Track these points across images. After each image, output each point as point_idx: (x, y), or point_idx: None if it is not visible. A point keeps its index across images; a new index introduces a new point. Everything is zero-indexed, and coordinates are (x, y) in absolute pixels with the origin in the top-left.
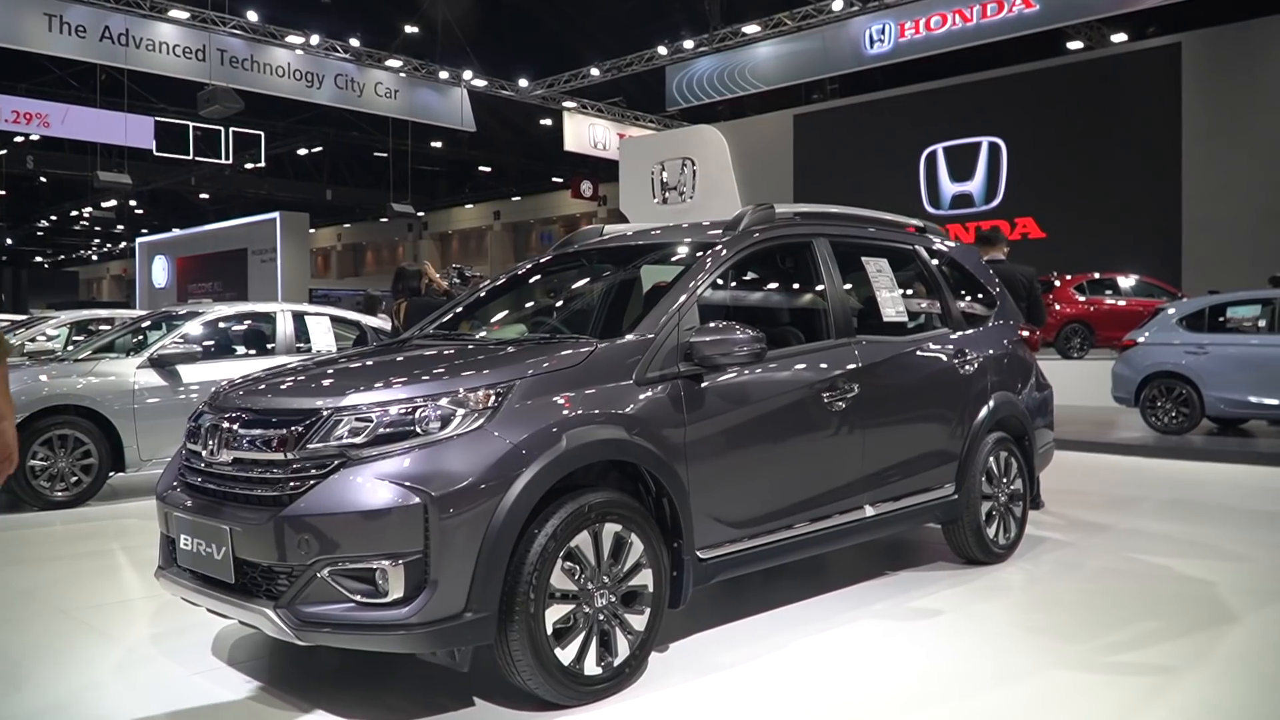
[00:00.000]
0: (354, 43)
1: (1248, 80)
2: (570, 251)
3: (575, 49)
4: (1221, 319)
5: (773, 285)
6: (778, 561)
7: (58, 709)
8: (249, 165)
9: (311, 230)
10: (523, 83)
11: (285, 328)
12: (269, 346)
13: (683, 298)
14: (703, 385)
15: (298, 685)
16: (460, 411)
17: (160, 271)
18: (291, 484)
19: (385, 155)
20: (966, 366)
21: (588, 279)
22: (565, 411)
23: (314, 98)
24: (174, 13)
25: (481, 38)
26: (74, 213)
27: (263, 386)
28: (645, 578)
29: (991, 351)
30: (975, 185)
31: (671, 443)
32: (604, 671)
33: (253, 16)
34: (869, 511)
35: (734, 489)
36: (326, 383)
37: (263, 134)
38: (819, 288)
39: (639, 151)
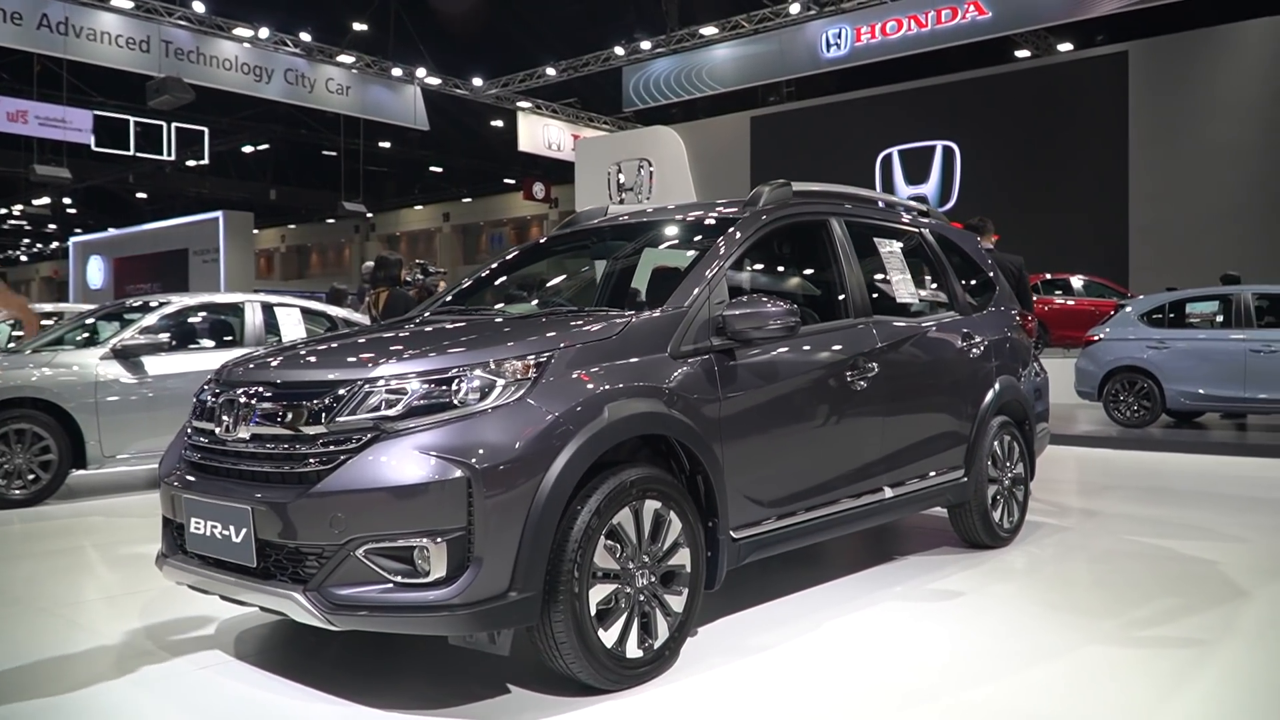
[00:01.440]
0: (305, 37)
1: (1192, 88)
2: (580, 229)
3: (530, 49)
4: (1181, 315)
5: (792, 263)
6: (805, 542)
7: (60, 708)
8: (191, 162)
9: (255, 231)
10: (477, 82)
11: (254, 319)
12: (237, 338)
13: (711, 272)
14: (734, 360)
15: (319, 676)
16: (500, 382)
17: (96, 272)
18: (321, 459)
19: (333, 154)
20: (974, 350)
21: (601, 255)
22: (605, 383)
23: (263, 93)
24: (117, 1)
25: (435, 36)
26: (3, 210)
27: (282, 360)
28: (683, 557)
29: (995, 336)
30: (930, 188)
31: (707, 418)
32: (645, 654)
33: (199, 7)
34: (887, 493)
35: (765, 467)
36: (353, 354)
37: (206, 130)
38: (836, 267)
39: (595, 152)
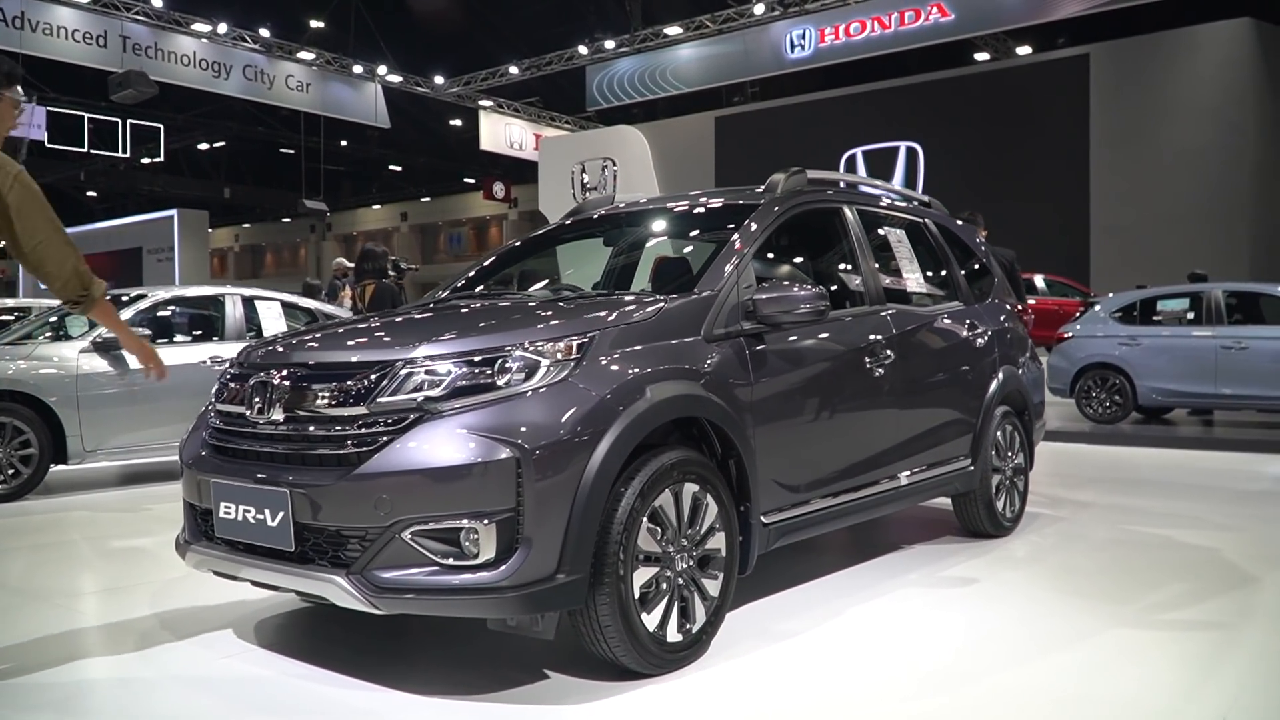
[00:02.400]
0: (264, 33)
1: (1152, 91)
2: (594, 216)
3: (492, 48)
4: (1152, 312)
5: (808, 250)
6: (829, 528)
7: (87, 698)
8: (146, 160)
9: (209, 230)
10: (438, 80)
11: (235, 312)
12: (218, 332)
13: (738, 256)
14: (763, 344)
15: (349, 662)
16: (545, 362)
17: None
18: (363, 441)
19: (290, 152)
20: (979, 340)
21: (615, 242)
22: (646, 365)
23: (222, 89)
24: None
25: (396, 33)
26: None
27: (315, 341)
28: (719, 541)
29: (996, 326)
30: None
31: (740, 401)
32: (684, 638)
33: (158, 2)
34: (903, 480)
35: (793, 451)
36: (390, 335)
37: (162, 127)
38: (851, 254)
39: (559, 151)
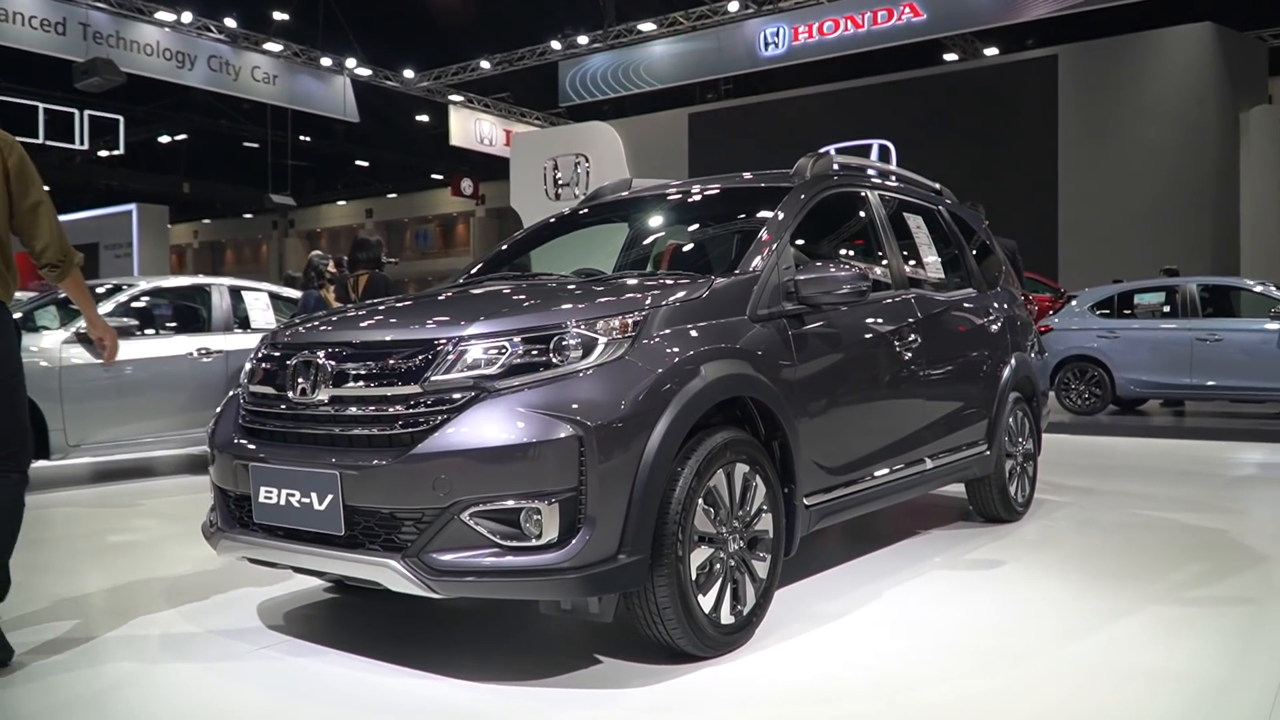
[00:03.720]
0: (230, 23)
1: (1120, 91)
2: (615, 200)
3: (463, 42)
4: (1129, 306)
5: (835, 234)
6: (863, 510)
7: (119, 694)
8: (104, 153)
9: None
10: (408, 74)
11: (222, 303)
12: (204, 323)
13: (777, 237)
14: (804, 325)
15: (394, 652)
16: (602, 340)
17: None
18: (419, 420)
19: (254, 146)
20: (993, 326)
21: (638, 226)
22: (699, 344)
23: (185, 79)
24: None
25: (365, 26)
26: None
27: (361, 320)
28: (766, 523)
29: (1008, 313)
30: None
31: (785, 381)
32: (735, 620)
33: None
34: (928, 464)
35: (831, 433)
36: (438, 313)
37: (121, 119)
38: (876, 238)
39: (531, 147)
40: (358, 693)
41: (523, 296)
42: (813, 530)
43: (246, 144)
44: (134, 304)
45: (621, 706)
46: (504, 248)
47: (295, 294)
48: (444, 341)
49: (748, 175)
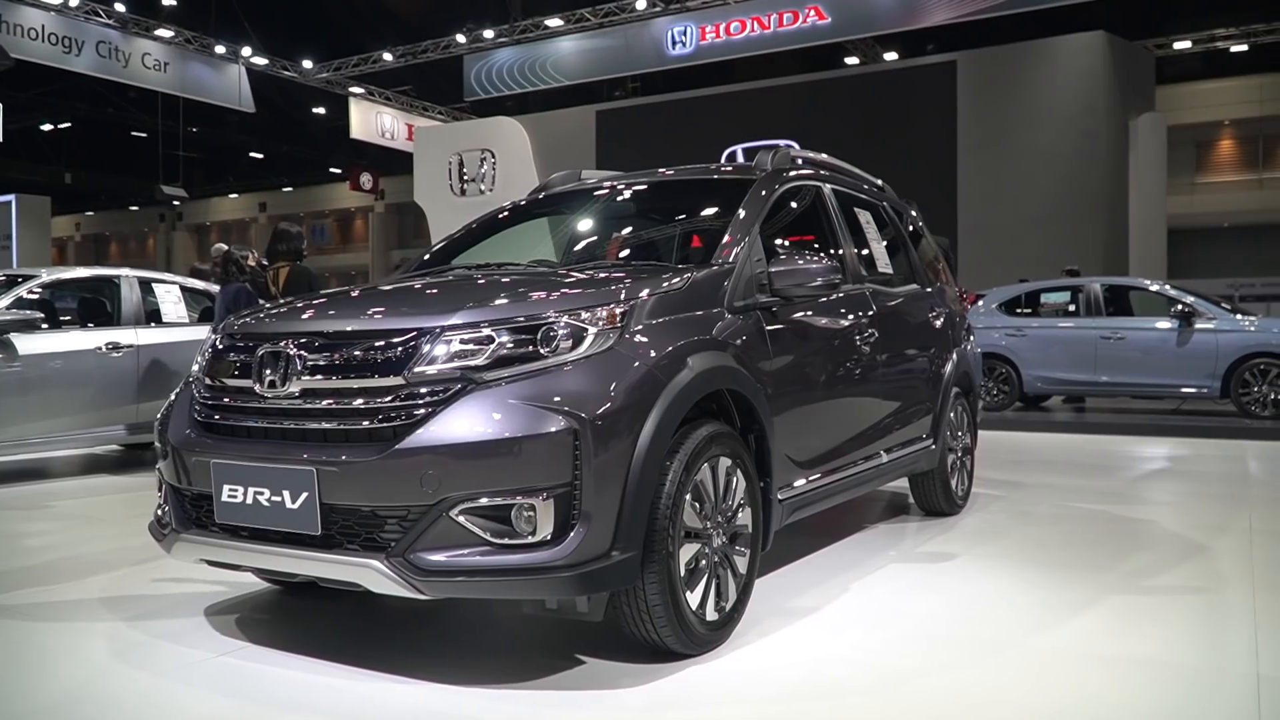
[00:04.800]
0: (119, 7)
1: (1016, 97)
2: (568, 191)
3: (363, 33)
4: (1035, 304)
5: (794, 227)
6: (826, 505)
7: (73, 704)
8: None
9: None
10: (307, 64)
11: (131, 295)
12: (113, 316)
13: (748, 229)
14: (776, 318)
15: (365, 656)
16: (591, 330)
17: None
18: (402, 413)
19: (142, 135)
20: (937, 321)
21: (592, 217)
22: (683, 335)
23: (73, 65)
24: None
25: (261, 13)
26: None
27: (332, 308)
28: (745, 517)
29: (949, 309)
30: None
31: (762, 374)
32: (719, 617)
33: None
34: (884, 458)
35: (801, 426)
36: (417, 301)
37: (1, 106)
38: (833, 232)
39: (435, 142)
40: (335, 700)
41: (501, 285)
42: (784, 524)
43: (135, 133)
44: (35, 296)
45: (617, 707)
46: (456, 237)
47: (200, 285)
48: (426, 331)
49: (708, 166)
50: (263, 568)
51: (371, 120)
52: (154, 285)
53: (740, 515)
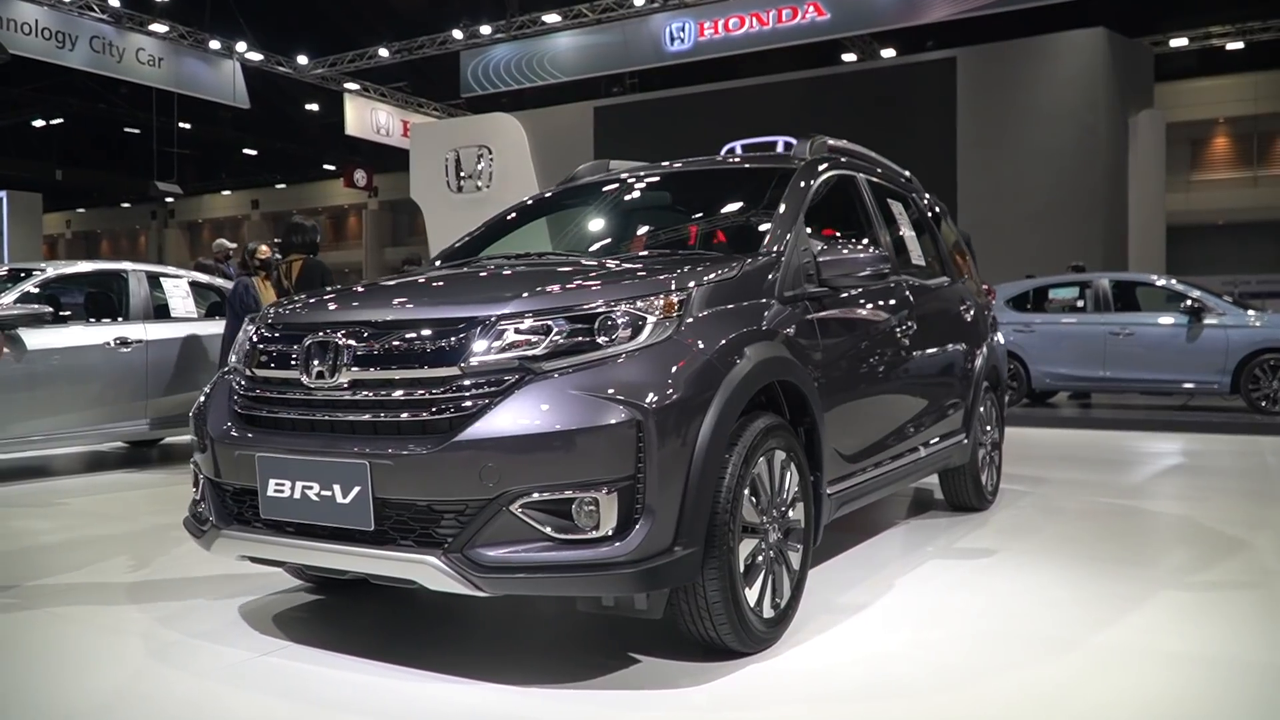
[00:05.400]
0: (113, 2)
1: (1016, 94)
2: (600, 181)
3: (358, 30)
4: (1044, 300)
5: (832, 217)
6: (870, 499)
7: (118, 705)
8: None
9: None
10: (302, 60)
11: (140, 290)
12: (120, 311)
13: (792, 218)
14: (824, 308)
15: (411, 656)
16: (651, 319)
17: None
18: (459, 404)
19: (135, 132)
20: (969, 314)
21: (629, 208)
22: (740, 325)
23: (66, 60)
24: None
25: (257, 9)
26: None
27: (378, 297)
28: (798, 512)
29: (978, 302)
30: None
31: (813, 365)
32: (774, 614)
33: None
34: (922, 452)
35: (848, 419)
36: (469, 290)
37: None
38: (869, 223)
39: (432, 138)
40: (392, 701)
41: (554, 274)
42: (832, 519)
43: (127, 130)
44: (43, 291)
45: (683, 706)
46: (486, 228)
47: (206, 279)
48: (482, 320)
49: (744, 155)
50: (309, 564)
51: (367, 117)
52: (161, 280)
53: (794, 510)
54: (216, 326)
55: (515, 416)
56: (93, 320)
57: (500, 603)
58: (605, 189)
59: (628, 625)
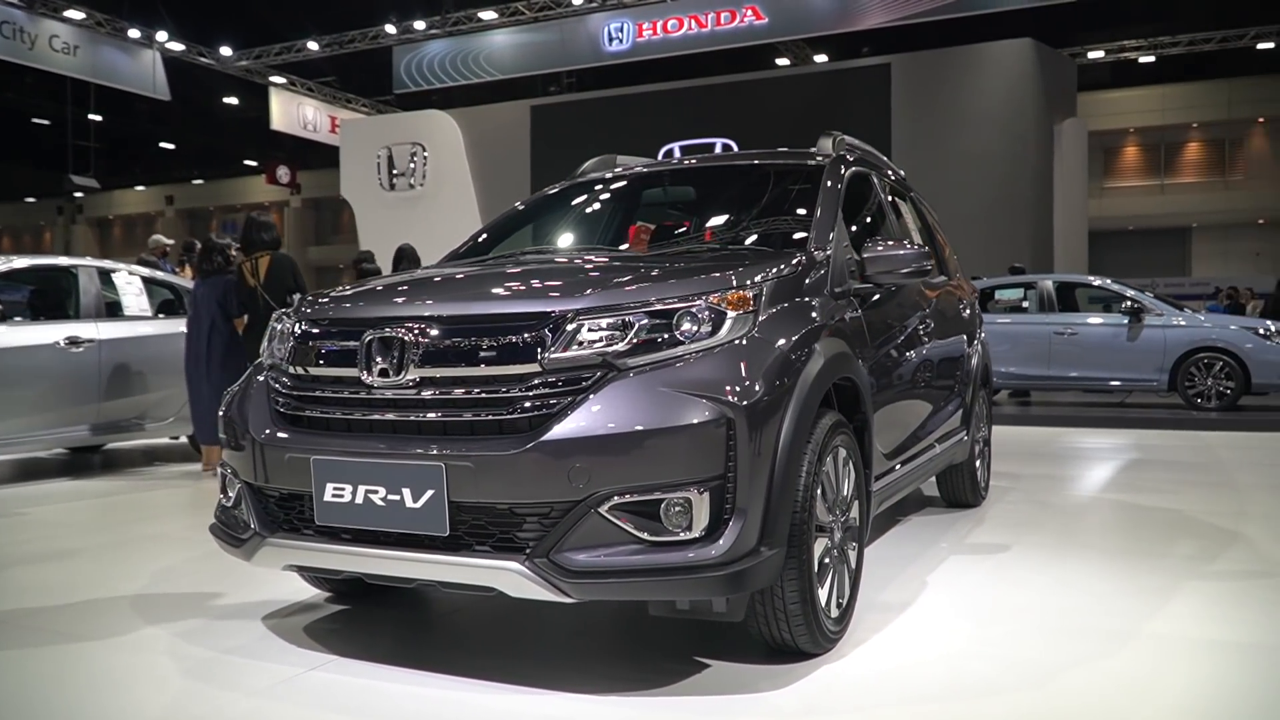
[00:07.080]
0: None
1: (948, 101)
2: (618, 176)
3: (285, 21)
4: (989, 300)
5: (854, 215)
6: (899, 497)
7: None
8: None
9: None
10: (225, 51)
11: (91, 287)
12: (71, 308)
13: (831, 215)
14: (867, 304)
15: (469, 666)
16: (731, 314)
17: None
18: (540, 402)
19: (44, 123)
20: (966, 311)
21: (659, 203)
22: (808, 321)
23: None
24: None
25: None
26: None
27: (443, 291)
28: (855, 510)
29: (972, 301)
30: None
31: (863, 360)
32: (839, 614)
33: None
34: (937, 449)
35: (889, 415)
36: (540, 284)
37: None
38: (885, 220)
39: (363, 135)
40: (464, 715)
41: (622, 269)
42: (873, 516)
43: (35, 120)
44: None
45: (771, 711)
46: (502, 221)
47: (161, 275)
48: (560, 315)
49: (763, 151)
50: (369, 573)
51: (293, 111)
52: (113, 276)
53: (852, 508)
54: (172, 326)
55: (603, 415)
56: (40, 319)
57: (540, 607)
58: (620, 184)
59: (681, 627)
